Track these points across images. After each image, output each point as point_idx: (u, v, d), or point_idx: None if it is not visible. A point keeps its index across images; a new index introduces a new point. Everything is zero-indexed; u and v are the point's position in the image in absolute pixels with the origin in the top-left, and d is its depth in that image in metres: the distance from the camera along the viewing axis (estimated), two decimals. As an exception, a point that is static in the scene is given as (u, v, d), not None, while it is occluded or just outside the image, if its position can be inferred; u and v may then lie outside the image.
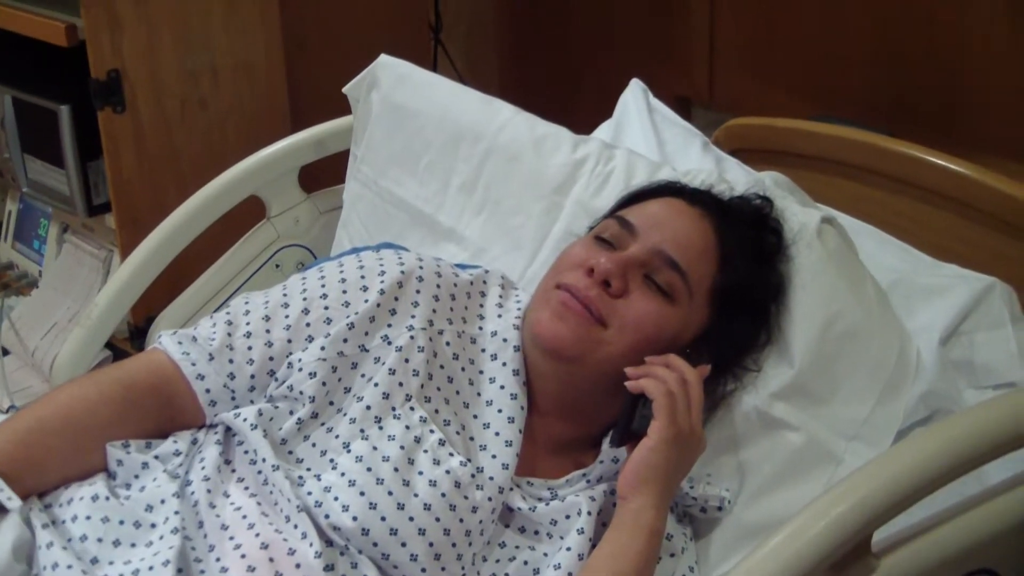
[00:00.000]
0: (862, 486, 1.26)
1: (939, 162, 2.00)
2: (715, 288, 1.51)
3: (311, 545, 1.29)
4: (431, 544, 1.33)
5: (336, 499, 1.32)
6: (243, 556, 1.27)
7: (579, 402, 1.50)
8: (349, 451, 1.38)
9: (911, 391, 1.63)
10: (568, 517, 1.41)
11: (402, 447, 1.38)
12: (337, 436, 1.41)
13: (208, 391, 1.46)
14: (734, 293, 1.53)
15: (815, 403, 1.59)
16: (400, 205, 1.97)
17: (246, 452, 1.40)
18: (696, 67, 3.24)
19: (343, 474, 1.35)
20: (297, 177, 2.13)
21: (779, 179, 1.89)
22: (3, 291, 2.98)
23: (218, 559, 1.29)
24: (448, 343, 1.51)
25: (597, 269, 1.46)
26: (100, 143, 2.49)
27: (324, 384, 1.43)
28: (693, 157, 2.06)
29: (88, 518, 1.32)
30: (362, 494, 1.32)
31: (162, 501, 1.35)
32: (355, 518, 1.31)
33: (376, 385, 1.43)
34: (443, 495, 1.35)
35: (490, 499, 1.39)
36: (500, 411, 1.48)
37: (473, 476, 1.39)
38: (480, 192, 1.91)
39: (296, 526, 1.32)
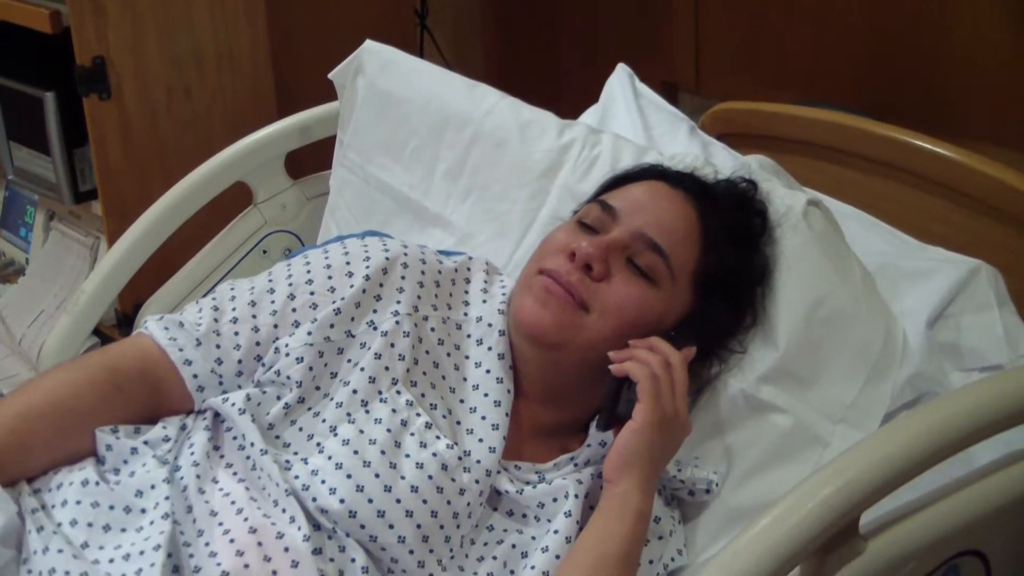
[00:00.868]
0: (849, 468, 1.25)
1: (925, 146, 2.00)
2: (698, 271, 1.51)
3: (299, 529, 1.29)
4: (419, 526, 1.33)
5: (323, 482, 1.33)
6: (232, 541, 1.28)
7: (564, 387, 1.51)
8: (336, 434, 1.38)
9: (898, 374, 1.63)
10: (555, 500, 1.42)
11: (389, 430, 1.38)
12: (324, 420, 1.41)
13: (195, 376, 1.46)
14: (717, 276, 1.53)
15: (802, 386, 1.59)
16: (386, 191, 1.97)
17: (234, 438, 1.41)
18: (682, 53, 3.24)
19: (330, 457, 1.35)
20: (283, 163, 2.13)
21: (765, 162, 1.89)
22: (-10, 279, 2.98)
23: (207, 544, 1.29)
24: (433, 329, 1.51)
25: (578, 253, 1.46)
26: (86, 130, 2.49)
27: (311, 369, 1.44)
28: (680, 142, 2.05)
29: (78, 503, 1.32)
30: (349, 476, 1.33)
31: (152, 486, 1.35)
32: (342, 500, 1.31)
33: (362, 369, 1.44)
34: (430, 477, 1.36)
35: (477, 481, 1.40)
36: (486, 395, 1.48)
37: (460, 459, 1.40)
38: (466, 177, 1.91)
39: (284, 510, 1.32)
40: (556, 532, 1.38)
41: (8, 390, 2.31)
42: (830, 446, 1.57)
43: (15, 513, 1.32)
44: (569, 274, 1.45)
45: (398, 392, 1.43)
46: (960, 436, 1.33)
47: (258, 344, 1.47)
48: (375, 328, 1.47)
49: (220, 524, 1.30)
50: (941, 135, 2.02)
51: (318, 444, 1.39)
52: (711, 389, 1.58)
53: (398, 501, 1.33)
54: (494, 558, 1.40)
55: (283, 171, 2.13)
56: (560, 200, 1.83)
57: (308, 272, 1.52)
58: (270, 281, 1.52)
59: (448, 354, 1.51)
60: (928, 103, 2.74)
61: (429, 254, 1.59)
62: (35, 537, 1.28)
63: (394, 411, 1.40)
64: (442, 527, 1.35)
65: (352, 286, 1.49)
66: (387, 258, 1.53)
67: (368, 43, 2.04)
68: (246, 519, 1.30)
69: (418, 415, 1.41)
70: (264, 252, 2.12)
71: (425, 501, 1.34)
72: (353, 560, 1.31)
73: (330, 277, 1.51)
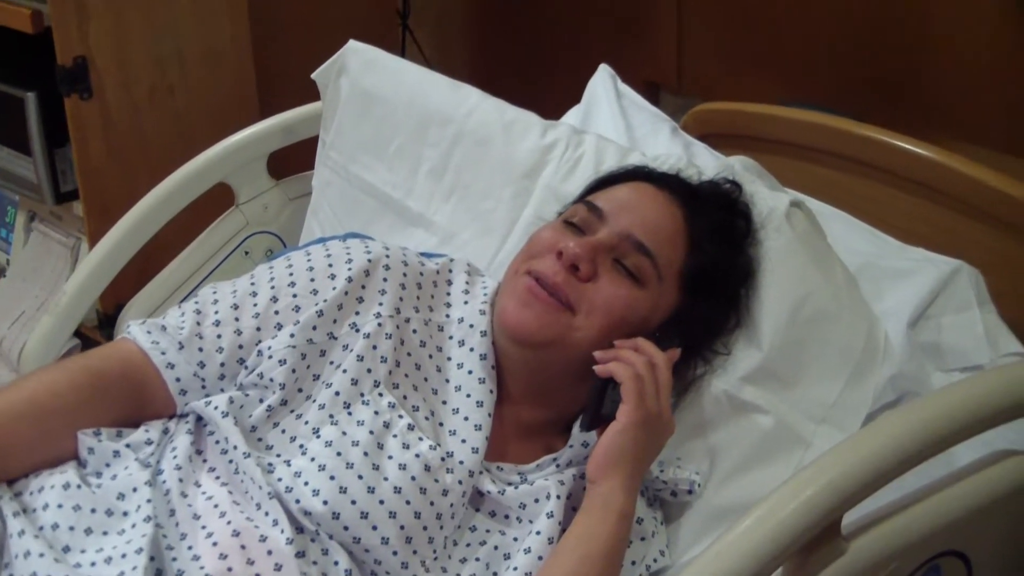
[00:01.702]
0: (832, 468, 1.26)
1: (905, 146, 2.01)
2: (684, 272, 1.52)
3: (282, 532, 1.29)
4: (402, 527, 1.33)
5: (306, 484, 1.32)
6: (215, 544, 1.27)
7: (548, 387, 1.50)
8: (319, 436, 1.38)
9: (879, 374, 1.64)
10: (537, 501, 1.42)
11: (371, 432, 1.38)
12: (306, 422, 1.41)
13: (178, 380, 1.45)
14: (703, 276, 1.53)
15: (784, 386, 1.59)
16: (369, 191, 1.97)
17: (217, 441, 1.40)
18: (664, 52, 3.24)
19: (313, 459, 1.35)
20: (266, 164, 2.12)
21: (748, 163, 1.90)
22: (-30, 280, 2.97)
23: (190, 547, 1.28)
24: (415, 331, 1.51)
25: (565, 253, 1.46)
26: (67, 130, 2.48)
27: (293, 371, 1.43)
28: (662, 142, 2.06)
29: (60, 506, 1.31)
30: (332, 478, 1.33)
31: (134, 489, 1.34)
32: (325, 502, 1.31)
33: (344, 371, 1.44)
34: (413, 478, 1.35)
35: (460, 482, 1.40)
36: (468, 396, 1.48)
37: (443, 460, 1.40)
38: (449, 177, 1.91)
39: (267, 513, 1.32)
40: (538, 533, 1.38)
41: (-11, 391, 2.30)
42: (812, 446, 1.57)
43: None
44: (556, 274, 1.45)
45: (380, 394, 1.43)
46: (942, 436, 1.33)
47: (241, 347, 1.47)
48: (357, 330, 1.47)
49: (203, 527, 1.30)
50: (921, 135, 2.03)
51: (301, 446, 1.39)
52: (694, 389, 1.59)
53: (381, 502, 1.32)
54: (476, 559, 1.40)
55: (265, 171, 2.13)
56: (543, 200, 1.83)
57: (290, 274, 1.51)
58: (252, 284, 1.52)
59: (430, 356, 1.51)
60: (909, 103, 2.75)
61: (411, 256, 1.59)
62: (16, 541, 1.27)
63: (376, 413, 1.40)
64: (425, 528, 1.35)
65: (334, 288, 1.49)
66: (369, 260, 1.53)
67: (351, 43, 2.03)
68: (229, 522, 1.30)
69: (400, 417, 1.41)
70: (246, 253, 2.11)
71: (408, 502, 1.34)
72: (336, 563, 1.30)
73: (312, 279, 1.50)
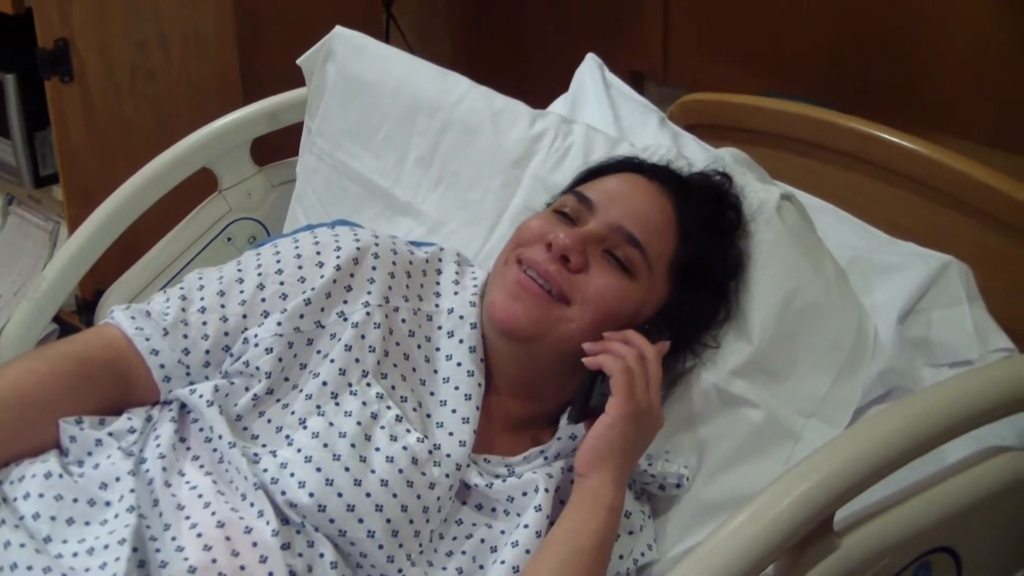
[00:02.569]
0: (826, 465, 1.26)
1: (892, 139, 2.02)
2: (674, 263, 1.51)
3: (268, 523, 1.28)
4: (388, 520, 1.32)
5: (292, 475, 1.31)
6: (199, 535, 1.26)
7: (537, 380, 1.49)
8: (305, 427, 1.37)
9: (869, 369, 1.64)
10: (525, 494, 1.41)
11: (359, 423, 1.37)
12: (293, 412, 1.40)
13: (162, 366, 1.44)
14: (693, 269, 1.52)
15: (774, 380, 1.59)
16: (356, 179, 1.95)
17: (201, 429, 1.39)
18: (650, 42, 3.24)
19: (299, 450, 1.34)
20: (249, 150, 2.10)
21: (738, 156, 1.90)
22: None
23: (174, 538, 1.27)
24: (404, 320, 1.50)
25: (555, 244, 1.45)
26: (47, 113, 2.46)
27: (280, 360, 1.42)
28: (650, 133, 2.05)
29: (41, 496, 1.30)
30: (318, 470, 1.31)
31: (116, 479, 1.32)
32: (311, 494, 1.30)
33: (332, 361, 1.42)
34: (400, 471, 1.34)
35: (447, 476, 1.39)
36: (457, 388, 1.47)
37: (430, 453, 1.38)
38: (437, 166, 1.90)
39: (252, 504, 1.30)
40: (526, 526, 1.37)
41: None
42: (801, 440, 1.58)
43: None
44: (547, 264, 1.44)
45: (368, 384, 1.41)
46: (934, 433, 1.34)
47: (227, 334, 1.45)
48: (345, 319, 1.46)
49: (187, 518, 1.29)
50: (908, 128, 2.03)
51: (287, 436, 1.37)
52: (684, 383, 1.58)
53: (368, 495, 1.31)
54: (463, 552, 1.39)
55: (249, 157, 2.11)
56: (532, 190, 1.82)
57: (278, 261, 1.50)
58: (239, 270, 1.50)
59: (419, 346, 1.50)
60: (896, 96, 2.75)
61: (400, 244, 1.58)
62: (-3, 531, 1.26)
63: (364, 404, 1.39)
64: (412, 521, 1.34)
65: (323, 276, 1.47)
66: (358, 248, 1.51)
67: (338, 29, 2.01)
68: (213, 513, 1.29)
69: (388, 408, 1.40)
70: (229, 239, 2.10)
71: (395, 495, 1.33)
72: (322, 555, 1.29)
73: (300, 267, 1.49)
